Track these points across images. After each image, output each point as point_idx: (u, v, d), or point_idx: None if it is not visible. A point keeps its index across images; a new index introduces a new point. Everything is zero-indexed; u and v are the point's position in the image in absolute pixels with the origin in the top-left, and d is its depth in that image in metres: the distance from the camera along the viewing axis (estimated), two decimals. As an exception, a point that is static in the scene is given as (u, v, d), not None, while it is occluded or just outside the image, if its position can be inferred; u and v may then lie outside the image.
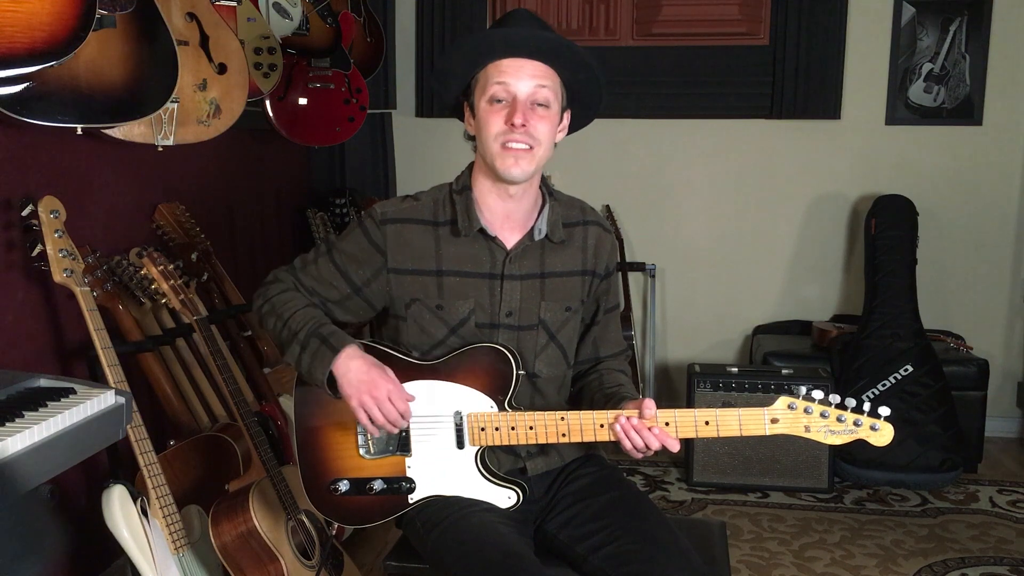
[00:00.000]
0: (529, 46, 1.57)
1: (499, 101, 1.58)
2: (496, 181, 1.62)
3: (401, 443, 1.62)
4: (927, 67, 3.71)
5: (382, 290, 1.67)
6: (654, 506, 1.65)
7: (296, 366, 1.62)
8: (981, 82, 3.69)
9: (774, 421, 1.52)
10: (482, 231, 1.64)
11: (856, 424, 1.50)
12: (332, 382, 1.57)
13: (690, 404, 3.21)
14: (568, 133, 1.71)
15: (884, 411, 1.49)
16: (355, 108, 3.25)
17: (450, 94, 1.69)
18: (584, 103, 1.68)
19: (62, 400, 1.46)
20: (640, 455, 1.54)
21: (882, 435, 1.50)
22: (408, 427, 1.61)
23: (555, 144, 1.65)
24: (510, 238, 1.67)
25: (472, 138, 1.67)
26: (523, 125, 1.55)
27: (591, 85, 1.64)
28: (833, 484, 3.20)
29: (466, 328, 1.65)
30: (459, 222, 1.64)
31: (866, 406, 1.50)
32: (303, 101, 3.13)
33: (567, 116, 1.67)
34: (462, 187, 1.67)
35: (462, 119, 1.69)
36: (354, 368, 1.55)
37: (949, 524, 2.97)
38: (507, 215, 1.66)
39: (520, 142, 1.56)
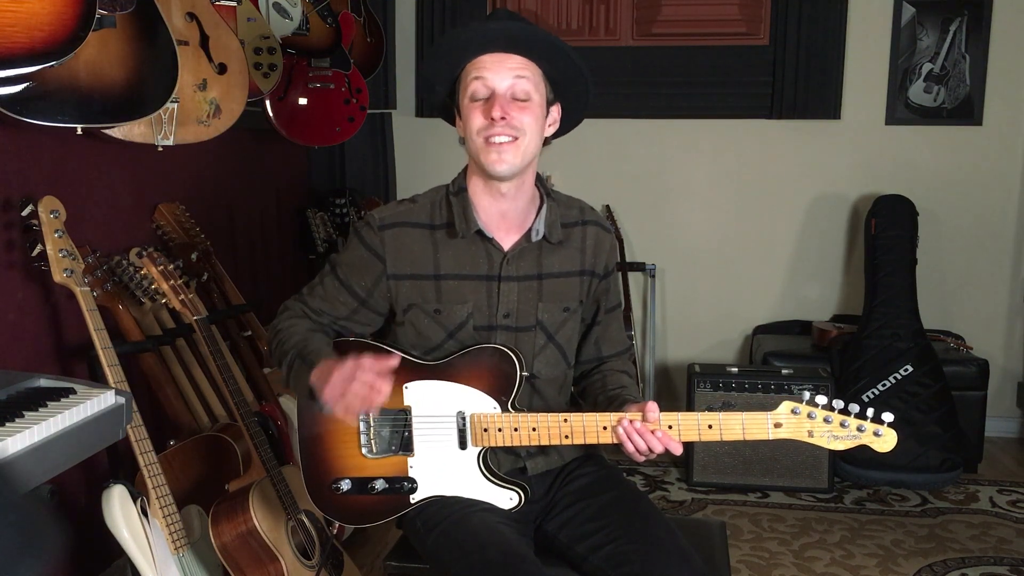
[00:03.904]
0: (502, 38, 1.56)
1: (480, 97, 1.57)
2: (488, 180, 1.62)
3: (403, 443, 1.62)
4: (927, 67, 3.71)
5: (384, 296, 1.67)
6: (654, 506, 1.65)
7: (288, 385, 1.65)
8: (981, 82, 3.69)
9: (777, 426, 1.51)
10: (479, 233, 1.63)
11: (859, 430, 1.49)
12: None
13: (690, 404, 3.21)
14: (563, 131, 1.70)
15: (887, 417, 1.48)
16: (355, 108, 3.25)
17: (438, 99, 1.69)
18: (571, 95, 1.66)
19: (62, 400, 1.46)
20: (642, 458, 1.54)
21: (885, 441, 1.50)
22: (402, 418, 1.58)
23: (546, 139, 1.65)
24: (507, 239, 1.66)
25: (465, 142, 1.66)
26: (503, 118, 1.54)
27: (573, 74, 1.62)
28: (833, 484, 3.20)
29: (464, 332, 1.65)
30: (456, 224, 1.63)
31: (869, 412, 1.49)
32: (303, 101, 3.13)
33: (556, 110, 1.66)
34: (458, 189, 1.66)
35: (453, 123, 1.69)
36: (324, 373, 1.51)
37: (949, 524, 2.97)
38: (502, 215, 1.65)
39: (502, 135, 1.55)
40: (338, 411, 1.48)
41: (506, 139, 1.55)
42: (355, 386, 1.44)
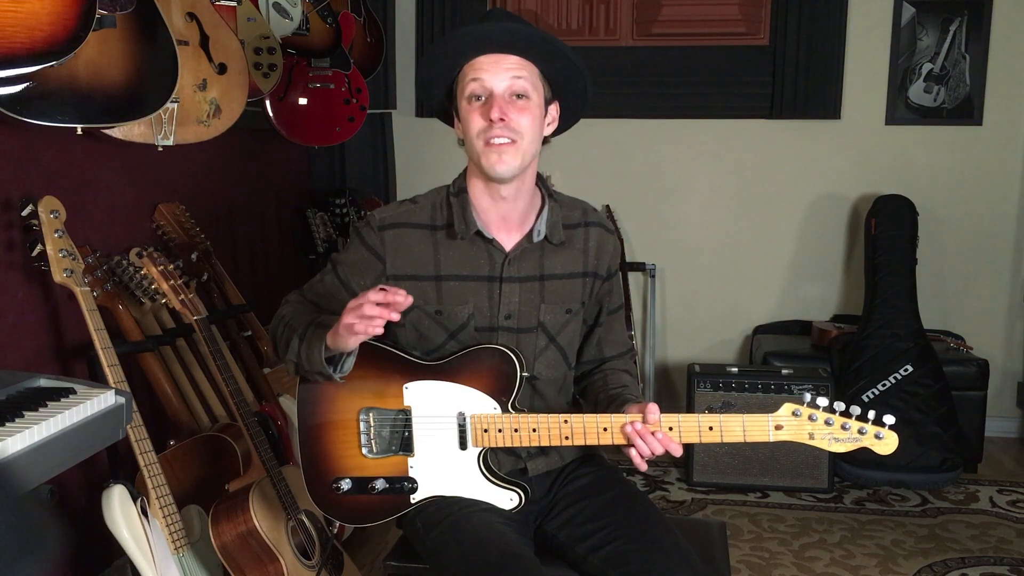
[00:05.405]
0: (500, 40, 1.56)
1: (478, 98, 1.57)
2: (488, 182, 1.62)
3: (404, 443, 1.62)
4: (927, 67, 3.71)
5: None
6: (653, 506, 1.65)
7: (296, 359, 1.58)
8: (981, 82, 3.69)
9: (778, 428, 1.51)
10: (479, 233, 1.63)
11: (860, 432, 1.49)
12: (332, 363, 1.54)
13: (690, 404, 3.21)
14: (561, 128, 1.70)
15: (889, 419, 1.48)
16: (355, 108, 3.25)
17: (435, 101, 1.69)
18: (570, 94, 1.66)
19: (62, 400, 1.46)
20: (646, 466, 1.53)
21: (886, 443, 1.50)
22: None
23: (546, 139, 1.65)
24: (508, 240, 1.66)
25: (464, 143, 1.66)
26: (502, 119, 1.54)
27: (571, 73, 1.62)
28: (833, 484, 3.20)
29: (465, 332, 1.65)
30: (456, 225, 1.63)
31: (871, 414, 1.49)
32: (303, 101, 3.13)
33: (555, 109, 1.66)
34: (458, 190, 1.66)
35: (452, 124, 1.69)
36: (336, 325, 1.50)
37: (949, 524, 2.97)
38: (503, 217, 1.66)
39: (501, 136, 1.55)
40: (346, 335, 1.45)
41: (505, 140, 1.56)
42: (366, 308, 1.42)
